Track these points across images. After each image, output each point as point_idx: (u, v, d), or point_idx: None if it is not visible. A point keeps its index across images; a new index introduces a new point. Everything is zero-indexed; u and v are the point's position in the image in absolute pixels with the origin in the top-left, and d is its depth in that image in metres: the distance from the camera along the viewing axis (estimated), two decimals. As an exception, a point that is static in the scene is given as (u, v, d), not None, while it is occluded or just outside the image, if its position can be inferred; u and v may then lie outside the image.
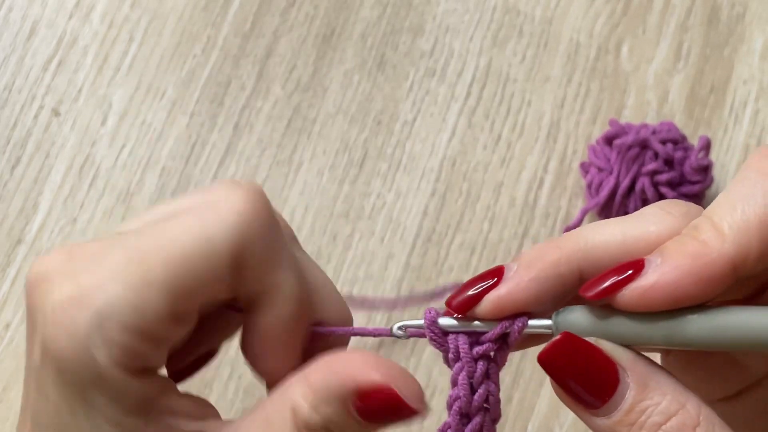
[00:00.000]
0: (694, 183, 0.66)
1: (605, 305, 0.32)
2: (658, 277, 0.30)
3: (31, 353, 0.34)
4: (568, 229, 0.69)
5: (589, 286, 0.32)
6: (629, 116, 0.72)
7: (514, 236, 0.70)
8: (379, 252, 0.69)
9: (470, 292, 0.33)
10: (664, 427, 0.30)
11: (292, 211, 0.71)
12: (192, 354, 0.39)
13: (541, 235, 0.70)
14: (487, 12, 0.75)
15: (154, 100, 0.73)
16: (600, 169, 0.68)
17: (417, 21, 0.75)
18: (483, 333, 0.34)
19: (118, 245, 0.33)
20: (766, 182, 0.31)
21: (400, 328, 0.34)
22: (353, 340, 0.38)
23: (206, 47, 0.75)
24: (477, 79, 0.74)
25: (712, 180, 0.67)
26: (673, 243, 0.31)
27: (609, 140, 0.69)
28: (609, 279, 0.31)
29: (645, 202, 0.67)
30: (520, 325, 0.33)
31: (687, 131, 0.71)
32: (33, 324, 0.34)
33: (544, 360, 0.32)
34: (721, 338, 0.30)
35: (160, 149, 0.72)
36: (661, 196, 0.66)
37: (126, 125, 0.73)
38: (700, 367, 0.32)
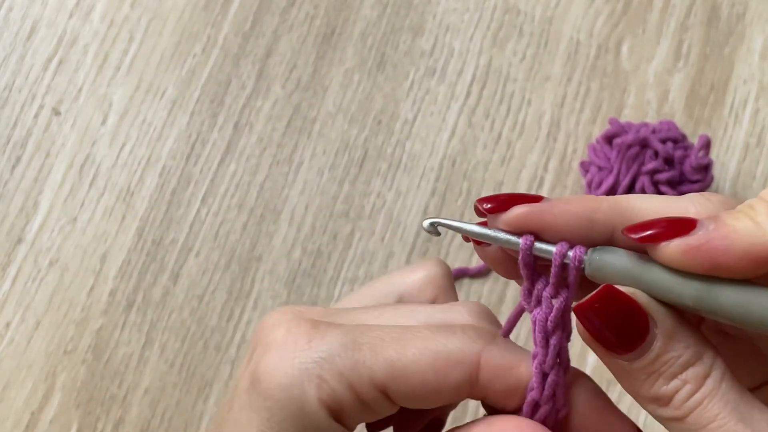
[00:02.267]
0: (694, 182, 0.66)
1: (642, 252, 0.32)
2: (707, 240, 0.31)
3: (241, 378, 0.36)
4: None
5: (637, 228, 0.32)
6: (629, 115, 0.72)
7: (515, 235, 0.70)
8: (380, 251, 0.69)
9: (497, 203, 0.34)
10: (680, 375, 0.31)
11: (292, 210, 0.71)
12: (421, 420, 0.41)
13: (541, 235, 0.70)
14: (487, 11, 0.75)
15: (154, 100, 0.73)
16: (600, 168, 0.68)
17: (417, 20, 0.75)
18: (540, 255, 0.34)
19: (350, 319, 0.36)
20: None
21: (433, 224, 0.35)
22: None
23: (206, 46, 0.75)
24: (477, 78, 0.74)
25: (712, 179, 0.67)
26: (728, 214, 0.31)
27: (609, 139, 0.69)
28: (658, 226, 0.31)
29: (645, 201, 0.67)
30: (580, 253, 0.33)
31: (687, 130, 0.71)
32: (252, 354, 0.36)
33: (583, 309, 0.32)
34: (749, 316, 0.31)
35: (161, 148, 0.72)
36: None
37: (126, 124, 0.73)
38: (725, 354, 0.33)
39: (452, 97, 0.73)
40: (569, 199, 0.33)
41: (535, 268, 0.34)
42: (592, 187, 0.68)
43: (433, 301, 0.41)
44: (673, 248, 0.31)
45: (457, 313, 0.38)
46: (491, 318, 0.38)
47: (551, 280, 0.34)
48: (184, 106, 0.73)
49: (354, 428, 0.35)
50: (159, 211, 0.71)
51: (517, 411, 0.35)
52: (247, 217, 0.71)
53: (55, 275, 0.69)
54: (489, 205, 0.34)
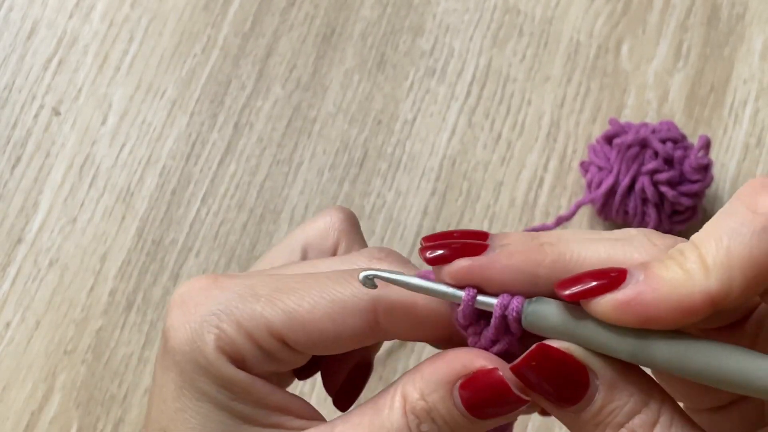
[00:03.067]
0: (693, 182, 0.66)
1: (574, 307, 0.32)
2: (635, 294, 0.31)
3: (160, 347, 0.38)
4: (560, 220, 0.69)
5: (567, 283, 0.32)
6: (629, 116, 0.72)
7: (514, 235, 0.70)
8: (379, 251, 0.69)
9: (442, 252, 0.34)
10: (627, 425, 0.32)
11: (292, 210, 0.71)
12: (344, 366, 0.42)
13: (541, 235, 0.70)
14: (487, 11, 0.75)
15: (154, 100, 0.73)
16: (600, 168, 0.68)
17: (417, 21, 0.75)
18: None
19: (260, 273, 0.37)
20: (754, 221, 0.31)
21: (368, 277, 0.35)
22: None
23: (206, 47, 0.75)
24: (477, 78, 0.74)
25: (711, 179, 0.67)
26: (658, 264, 0.31)
27: (609, 139, 0.69)
28: (588, 282, 0.32)
29: (645, 202, 0.67)
30: (517, 304, 0.33)
31: (687, 131, 0.71)
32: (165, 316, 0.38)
33: (519, 369, 0.33)
34: (684, 368, 0.31)
35: (161, 148, 0.72)
36: (660, 195, 0.66)
37: (126, 124, 0.73)
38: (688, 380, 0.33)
39: (452, 97, 0.73)
40: (512, 253, 0.33)
41: (480, 321, 0.35)
42: (592, 187, 0.68)
43: (337, 247, 0.41)
44: (603, 305, 0.31)
45: (359, 259, 0.38)
46: (396, 259, 0.38)
47: (491, 331, 0.34)
48: (184, 106, 0.73)
49: (265, 375, 0.36)
50: (159, 211, 0.71)
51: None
52: (247, 217, 0.71)
53: (55, 275, 0.69)
54: (432, 255, 0.34)
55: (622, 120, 0.72)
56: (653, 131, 0.67)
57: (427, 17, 0.75)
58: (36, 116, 0.73)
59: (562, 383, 0.32)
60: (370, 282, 0.35)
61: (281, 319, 0.35)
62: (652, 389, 0.32)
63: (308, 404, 0.37)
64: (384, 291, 0.35)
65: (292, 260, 0.41)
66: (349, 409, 0.37)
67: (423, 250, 0.35)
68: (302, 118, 0.73)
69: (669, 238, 0.33)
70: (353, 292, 0.35)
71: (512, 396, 0.33)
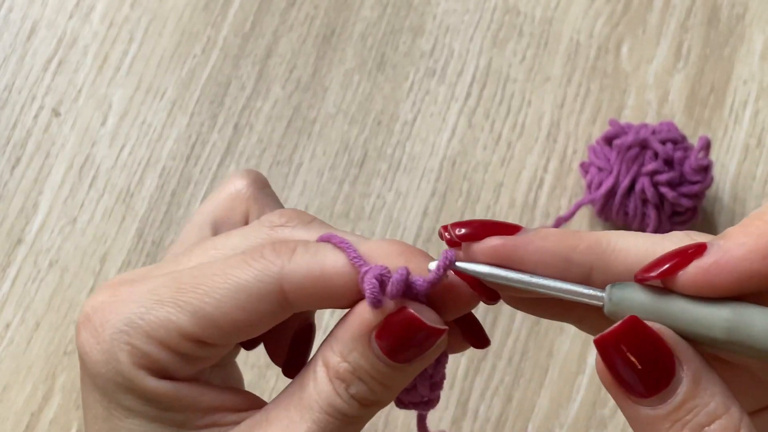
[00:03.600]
0: (693, 183, 0.66)
1: (659, 289, 0.30)
2: (722, 254, 0.29)
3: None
4: (560, 220, 0.69)
5: (649, 267, 0.31)
6: (629, 116, 0.72)
7: (514, 236, 0.70)
8: (379, 252, 0.69)
9: (471, 230, 0.33)
10: (708, 428, 0.29)
11: (292, 211, 0.71)
12: (285, 334, 0.41)
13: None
14: (487, 12, 0.75)
15: (154, 100, 0.73)
16: (600, 169, 0.68)
17: (417, 21, 0.75)
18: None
19: (161, 272, 0.36)
20: None
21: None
22: None
23: (206, 47, 0.75)
24: (477, 79, 0.74)
25: (711, 180, 0.67)
26: (735, 227, 0.30)
27: (609, 140, 0.69)
28: (670, 259, 0.30)
29: (645, 202, 0.67)
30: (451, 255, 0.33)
31: (687, 131, 0.71)
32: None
33: (604, 343, 0.30)
34: None
35: (160, 149, 0.72)
36: (660, 196, 0.66)
37: (126, 125, 0.73)
38: (727, 380, 0.31)
39: (452, 97, 0.73)
40: (547, 235, 0.32)
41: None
42: (592, 188, 0.68)
43: (247, 216, 0.40)
44: (692, 272, 0.29)
45: (260, 230, 0.37)
46: (300, 221, 0.37)
47: (394, 288, 0.33)
48: (183, 107, 0.73)
49: (194, 375, 0.35)
50: (159, 212, 0.71)
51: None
52: (247, 218, 0.71)
53: (55, 276, 0.69)
54: (463, 231, 0.33)
55: (622, 120, 0.72)
56: (653, 132, 0.67)
57: (427, 18, 0.75)
58: (36, 117, 0.73)
59: (647, 368, 0.29)
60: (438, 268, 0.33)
61: (190, 320, 0.34)
62: (732, 395, 0.30)
63: (245, 394, 0.37)
64: (288, 268, 0.34)
65: (202, 239, 0.39)
66: (281, 391, 0.36)
67: (452, 227, 0.34)
68: (302, 119, 0.73)
69: (709, 236, 0.32)
70: (256, 276, 0.34)
71: (426, 328, 0.32)
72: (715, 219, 0.70)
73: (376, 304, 0.33)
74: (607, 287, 0.31)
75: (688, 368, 0.29)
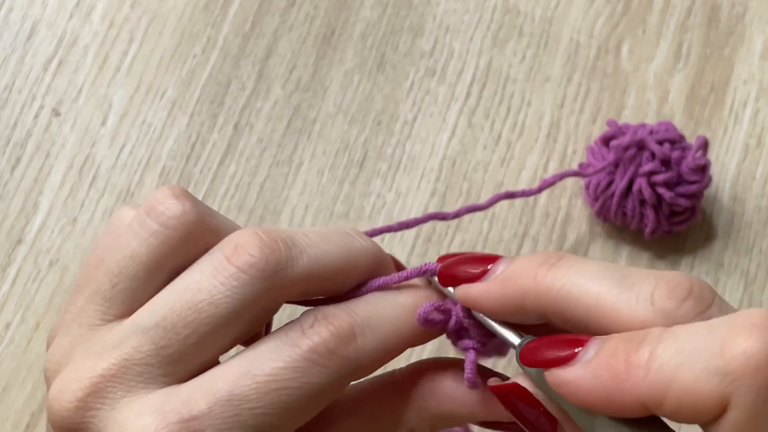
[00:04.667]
0: (691, 183, 0.66)
1: None
2: (575, 377, 0.30)
3: None
4: (544, 183, 0.66)
5: (531, 351, 0.33)
6: (629, 116, 0.72)
7: (514, 236, 0.70)
8: (379, 252, 0.69)
9: (458, 272, 0.36)
10: None
11: (292, 211, 0.71)
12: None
13: (541, 235, 0.70)
14: (487, 12, 0.75)
15: (154, 100, 0.73)
16: (597, 170, 0.68)
17: (417, 21, 0.75)
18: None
19: (207, 392, 0.33)
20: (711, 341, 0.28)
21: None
22: None
23: (206, 47, 0.75)
24: (477, 79, 0.74)
25: (710, 179, 0.67)
26: (611, 347, 0.30)
27: (607, 141, 0.69)
28: (546, 351, 0.32)
29: (642, 203, 0.67)
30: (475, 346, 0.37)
31: (687, 131, 0.71)
32: None
33: (496, 392, 0.34)
34: None
35: (161, 149, 0.72)
36: (658, 197, 0.66)
37: (126, 125, 0.73)
38: None
39: (452, 97, 0.73)
40: (506, 280, 0.34)
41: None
42: (590, 190, 0.68)
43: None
44: (551, 378, 0.31)
45: (233, 274, 0.35)
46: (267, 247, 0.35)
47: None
48: (183, 106, 0.73)
49: None
50: (159, 212, 0.71)
51: None
52: (247, 218, 0.71)
53: (55, 276, 0.69)
54: (444, 276, 0.37)
55: (622, 121, 0.72)
56: (651, 132, 0.67)
57: (427, 18, 0.75)
58: (36, 117, 0.73)
59: (530, 422, 0.33)
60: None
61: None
62: None
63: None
64: (361, 365, 0.35)
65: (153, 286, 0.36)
66: None
67: (443, 266, 0.37)
68: (302, 119, 0.73)
69: (681, 291, 0.30)
70: (334, 378, 0.35)
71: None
72: (715, 219, 0.70)
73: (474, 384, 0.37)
74: (519, 342, 0.34)
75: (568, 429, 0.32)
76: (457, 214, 0.61)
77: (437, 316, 0.37)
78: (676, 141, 0.67)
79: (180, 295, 0.34)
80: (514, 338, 0.35)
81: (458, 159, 0.72)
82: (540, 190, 0.66)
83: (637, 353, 0.29)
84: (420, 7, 0.75)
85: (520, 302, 0.33)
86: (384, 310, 0.36)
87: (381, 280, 0.37)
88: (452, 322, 0.37)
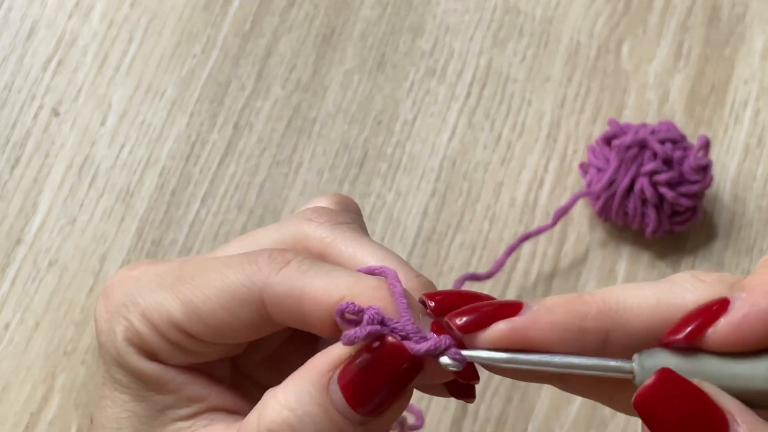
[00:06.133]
0: (693, 182, 0.66)
1: (689, 350, 0.29)
2: (749, 308, 0.28)
3: None
4: (559, 212, 0.68)
5: (674, 330, 0.29)
6: (630, 116, 0.72)
7: (514, 236, 0.70)
8: (379, 252, 0.69)
9: (472, 316, 0.31)
10: None
11: (292, 211, 0.71)
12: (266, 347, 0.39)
13: (541, 235, 0.69)
14: (488, 12, 0.75)
15: (153, 100, 0.73)
16: (599, 170, 0.68)
17: (417, 21, 0.75)
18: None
19: (180, 259, 0.36)
20: None
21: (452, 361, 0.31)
22: None
23: (206, 47, 0.75)
24: (477, 78, 0.74)
25: (711, 179, 0.67)
26: (752, 276, 0.29)
27: (608, 140, 0.69)
28: (696, 319, 0.29)
29: (644, 202, 0.66)
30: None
31: (687, 131, 0.71)
32: None
33: (641, 403, 0.28)
34: None
35: (160, 149, 0.72)
36: (660, 196, 0.66)
37: (126, 125, 0.73)
38: None
39: (452, 97, 0.73)
40: (553, 307, 0.30)
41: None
42: (591, 189, 0.68)
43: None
44: (723, 330, 0.28)
45: (294, 222, 0.36)
46: (332, 216, 0.36)
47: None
48: (183, 106, 0.73)
49: (184, 365, 0.35)
50: (158, 212, 0.71)
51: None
52: (246, 218, 0.71)
53: (54, 276, 0.69)
54: (464, 320, 0.31)
55: (623, 120, 0.72)
56: (652, 132, 0.67)
57: (427, 17, 0.75)
58: (35, 117, 0.73)
59: (694, 427, 0.27)
60: (454, 364, 0.31)
61: (180, 309, 0.33)
62: None
63: (232, 394, 0.36)
64: (272, 281, 0.33)
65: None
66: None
67: (448, 319, 0.31)
68: (302, 119, 0.73)
69: (715, 274, 0.31)
70: (242, 280, 0.33)
71: (410, 358, 0.30)
72: (715, 219, 0.70)
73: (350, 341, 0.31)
74: (635, 356, 0.30)
75: (744, 423, 0.28)
76: (489, 275, 0.66)
77: (353, 317, 0.31)
78: (678, 141, 0.67)
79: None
80: (620, 363, 0.29)
81: (458, 159, 0.72)
82: (554, 223, 0.68)
83: None
84: (420, 7, 0.75)
85: (580, 325, 0.30)
86: (325, 277, 0.33)
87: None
88: (363, 329, 0.31)
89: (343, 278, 0.32)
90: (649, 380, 0.28)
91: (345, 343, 0.31)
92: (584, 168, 0.69)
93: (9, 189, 0.71)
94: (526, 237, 0.67)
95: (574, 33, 0.75)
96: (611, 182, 0.67)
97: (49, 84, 0.74)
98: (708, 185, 0.67)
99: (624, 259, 0.69)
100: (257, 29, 0.75)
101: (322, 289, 0.32)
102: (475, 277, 0.67)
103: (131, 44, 0.75)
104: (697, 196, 0.67)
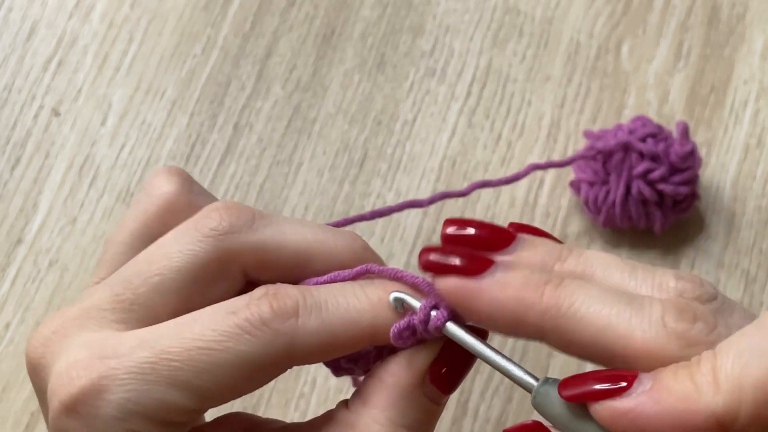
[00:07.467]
0: (684, 170, 0.66)
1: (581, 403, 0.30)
2: (635, 405, 0.29)
3: None
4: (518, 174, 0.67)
5: (570, 382, 0.30)
6: (630, 116, 0.72)
7: (514, 236, 0.70)
8: (379, 252, 0.69)
9: (442, 260, 0.33)
10: None
11: (292, 211, 0.71)
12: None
13: (541, 235, 0.69)
14: (487, 12, 0.75)
15: (154, 100, 0.73)
16: (591, 184, 0.67)
17: (417, 21, 0.75)
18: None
19: (136, 339, 0.34)
20: None
21: (397, 299, 0.34)
22: None
23: (206, 47, 0.75)
24: (477, 78, 0.74)
25: (701, 160, 0.67)
26: (668, 373, 0.29)
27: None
28: (592, 384, 0.30)
29: (645, 204, 0.66)
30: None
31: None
32: (46, 409, 0.35)
33: None
34: None
35: (160, 149, 0.72)
36: (659, 194, 0.66)
37: (126, 125, 0.73)
38: None
39: (452, 97, 0.73)
40: (506, 285, 0.31)
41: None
42: (589, 205, 0.67)
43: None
44: (602, 411, 0.29)
45: (200, 238, 0.36)
46: (240, 217, 0.37)
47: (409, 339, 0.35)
48: (183, 106, 0.73)
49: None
50: (159, 212, 0.71)
51: None
52: (246, 218, 0.71)
53: (54, 276, 0.69)
54: (429, 259, 0.33)
55: (623, 120, 0.71)
56: (630, 132, 0.66)
57: (427, 17, 0.75)
58: (35, 117, 0.73)
59: None
60: (398, 303, 0.34)
61: (191, 399, 0.33)
62: None
63: (231, 421, 0.37)
64: (298, 341, 0.33)
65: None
66: None
67: (426, 251, 0.34)
68: (302, 119, 0.73)
69: (688, 315, 0.30)
70: (262, 351, 0.33)
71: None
72: (715, 219, 0.70)
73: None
74: (538, 385, 0.31)
75: None
76: (432, 201, 0.62)
77: (408, 332, 0.34)
78: (657, 134, 0.66)
79: (144, 253, 0.37)
80: (529, 378, 0.32)
81: (458, 159, 0.72)
82: (515, 179, 0.66)
83: (699, 371, 0.28)
84: (420, 7, 0.75)
85: (522, 315, 0.31)
86: (342, 296, 0.34)
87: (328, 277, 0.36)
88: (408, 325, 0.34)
89: (353, 301, 0.34)
90: (519, 424, 0.31)
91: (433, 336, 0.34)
92: (575, 186, 0.69)
93: (9, 189, 0.71)
94: (486, 184, 0.65)
95: (573, 33, 0.75)
96: (607, 193, 0.66)
97: (49, 84, 0.74)
98: (699, 166, 0.67)
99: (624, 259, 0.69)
100: (257, 29, 0.75)
101: (349, 323, 0.34)
102: None
103: (131, 44, 0.75)
104: (692, 180, 0.66)
